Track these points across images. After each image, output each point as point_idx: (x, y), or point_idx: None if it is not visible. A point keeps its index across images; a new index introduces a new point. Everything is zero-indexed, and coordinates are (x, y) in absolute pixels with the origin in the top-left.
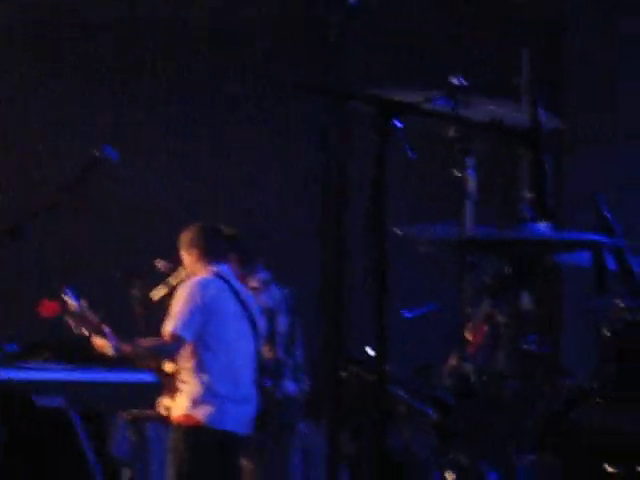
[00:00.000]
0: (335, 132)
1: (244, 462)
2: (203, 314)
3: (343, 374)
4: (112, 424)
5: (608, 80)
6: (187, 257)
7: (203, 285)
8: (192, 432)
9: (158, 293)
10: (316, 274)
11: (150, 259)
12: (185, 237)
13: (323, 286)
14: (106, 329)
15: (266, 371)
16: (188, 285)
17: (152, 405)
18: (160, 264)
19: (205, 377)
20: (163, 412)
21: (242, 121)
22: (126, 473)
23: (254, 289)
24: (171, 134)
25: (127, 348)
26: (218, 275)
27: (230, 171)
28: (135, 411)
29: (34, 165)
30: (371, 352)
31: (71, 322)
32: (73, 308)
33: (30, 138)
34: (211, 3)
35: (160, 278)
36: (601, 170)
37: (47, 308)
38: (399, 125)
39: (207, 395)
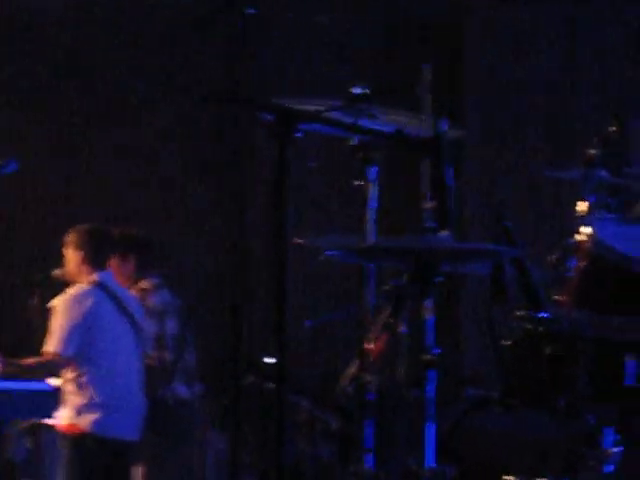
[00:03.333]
0: (236, 138)
1: (139, 468)
2: (82, 328)
3: (244, 383)
4: (9, 432)
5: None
6: (71, 258)
7: (80, 299)
8: (78, 441)
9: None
10: (214, 281)
11: (48, 268)
12: (71, 237)
13: (224, 295)
14: None
15: (156, 374)
16: (65, 300)
17: (49, 414)
18: (58, 272)
19: (87, 387)
20: (52, 421)
21: (149, 124)
22: None
23: (143, 291)
24: (64, 133)
25: (10, 368)
26: (97, 284)
27: (132, 172)
28: (32, 420)
29: None
30: (270, 361)
31: None
32: None
33: None
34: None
35: (59, 287)
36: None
37: None
38: (299, 134)
39: (90, 404)
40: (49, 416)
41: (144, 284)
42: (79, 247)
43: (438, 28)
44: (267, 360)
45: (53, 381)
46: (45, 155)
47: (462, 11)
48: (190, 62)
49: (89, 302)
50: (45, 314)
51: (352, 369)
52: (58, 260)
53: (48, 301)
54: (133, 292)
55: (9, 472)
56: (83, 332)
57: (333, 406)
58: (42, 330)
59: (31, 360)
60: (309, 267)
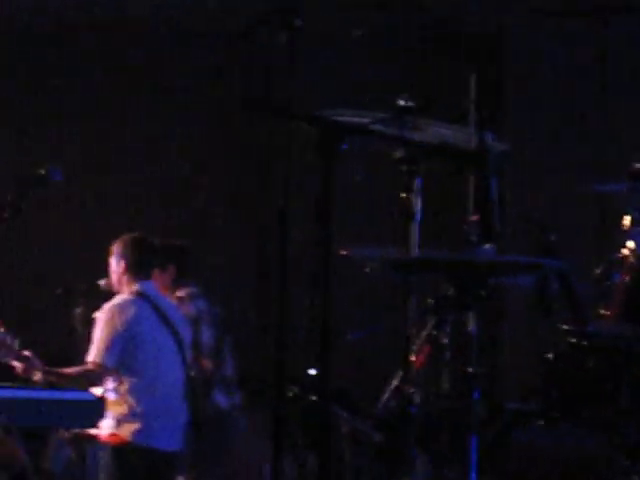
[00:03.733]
0: (279, 153)
1: (180, 478)
2: (123, 338)
3: (287, 394)
4: (52, 442)
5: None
6: (115, 268)
7: (122, 309)
8: (120, 451)
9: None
10: (253, 294)
11: (93, 277)
12: (116, 247)
13: (270, 306)
14: (29, 355)
15: (196, 385)
16: (107, 310)
17: (92, 424)
18: (103, 282)
19: (129, 396)
20: (94, 431)
21: (185, 137)
22: None
23: (179, 299)
24: (106, 148)
25: (51, 377)
26: (139, 294)
27: (168, 187)
28: (76, 430)
29: None
30: (314, 373)
31: None
32: None
33: None
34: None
35: (103, 297)
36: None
37: None
38: (344, 147)
39: (132, 414)
40: (92, 426)
41: (180, 292)
42: (122, 256)
43: (480, 39)
44: (311, 372)
45: (96, 391)
46: (87, 168)
47: (503, 23)
48: (229, 77)
49: (131, 312)
50: (89, 324)
51: (395, 382)
52: (103, 270)
53: (92, 311)
54: (173, 300)
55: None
56: (125, 342)
57: (376, 419)
58: (85, 340)
59: (72, 369)
60: (354, 279)
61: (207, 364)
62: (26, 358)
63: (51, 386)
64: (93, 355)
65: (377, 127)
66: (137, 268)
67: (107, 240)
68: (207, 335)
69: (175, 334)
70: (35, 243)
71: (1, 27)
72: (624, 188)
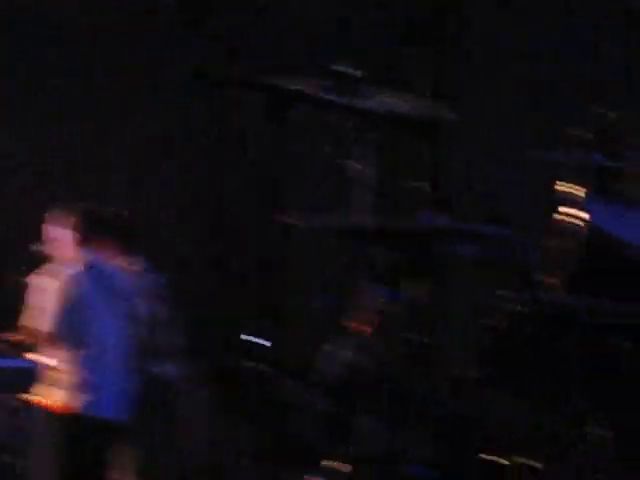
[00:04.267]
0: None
1: (126, 448)
2: (71, 308)
3: (233, 364)
4: None
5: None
6: (63, 237)
7: (69, 278)
8: (68, 420)
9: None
10: (208, 262)
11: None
12: (64, 216)
13: (217, 277)
14: None
15: (145, 355)
16: (55, 278)
17: (32, 391)
18: (37, 248)
19: (78, 367)
20: (41, 400)
21: (134, 103)
22: (5, 458)
23: (133, 272)
24: (46, 106)
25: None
26: (88, 265)
27: (111, 153)
28: (15, 397)
29: None
30: (260, 341)
31: None
32: None
33: None
34: None
35: (41, 263)
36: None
37: None
38: (294, 114)
39: (80, 384)
40: (31, 393)
41: (134, 265)
42: (71, 226)
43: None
44: (246, 338)
45: (43, 359)
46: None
47: None
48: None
49: (79, 282)
50: (30, 292)
51: (329, 347)
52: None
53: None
54: (123, 273)
55: None
56: (73, 312)
57: (320, 387)
58: (25, 307)
59: (20, 338)
60: (304, 248)
61: (157, 335)
62: None
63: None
64: (42, 324)
65: (325, 95)
66: (85, 238)
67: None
68: (158, 307)
69: (123, 304)
70: None
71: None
72: (565, 157)
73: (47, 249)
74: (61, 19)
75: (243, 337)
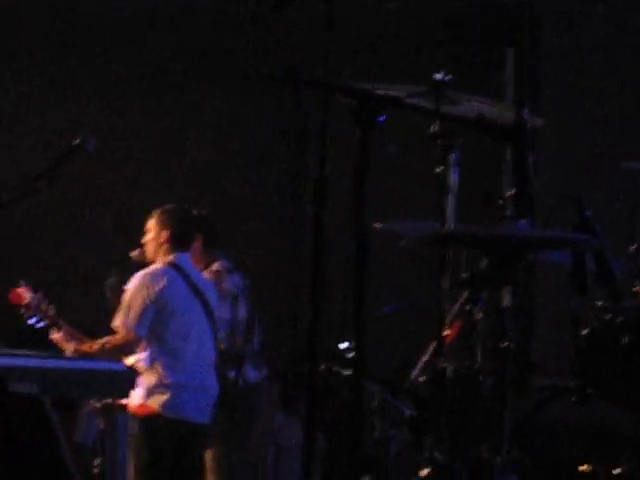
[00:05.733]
0: (315, 125)
1: (208, 451)
2: (154, 308)
3: (320, 368)
4: (81, 412)
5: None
6: (153, 238)
7: (154, 278)
8: (149, 421)
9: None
10: (285, 266)
11: (125, 250)
12: (155, 217)
13: (301, 280)
14: (63, 325)
15: (227, 358)
16: (139, 278)
17: (122, 394)
18: (135, 253)
19: (158, 367)
20: (123, 401)
21: (221, 110)
22: (94, 461)
23: (216, 273)
24: (143, 126)
25: (82, 346)
26: (173, 264)
27: (206, 157)
28: (106, 400)
29: (8, 153)
30: (346, 346)
31: (26, 314)
32: (28, 300)
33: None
34: None
35: (136, 268)
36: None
37: (18, 295)
38: (381, 119)
39: (161, 385)
40: (122, 396)
41: (217, 266)
42: (164, 226)
43: (518, 14)
44: (342, 346)
45: (126, 361)
46: (126, 136)
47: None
48: (260, 48)
49: (163, 282)
50: (120, 294)
51: (426, 356)
52: (136, 240)
53: (124, 282)
54: (207, 274)
55: (80, 452)
56: (155, 312)
57: (406, 393)
58: (116, 310)
59: (104, 339)
60: (389, 253)
61: (240, 339)
62: (60, 325)
63: (82, 354)
64: (124, 324)
65: (413, 100)
66: (178, 239)
67: (139, 214)
68: (243, 311)
69: (206, 306)
70: (67, 216)
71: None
72: None
73: (140, 251)
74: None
75: (327, 342)
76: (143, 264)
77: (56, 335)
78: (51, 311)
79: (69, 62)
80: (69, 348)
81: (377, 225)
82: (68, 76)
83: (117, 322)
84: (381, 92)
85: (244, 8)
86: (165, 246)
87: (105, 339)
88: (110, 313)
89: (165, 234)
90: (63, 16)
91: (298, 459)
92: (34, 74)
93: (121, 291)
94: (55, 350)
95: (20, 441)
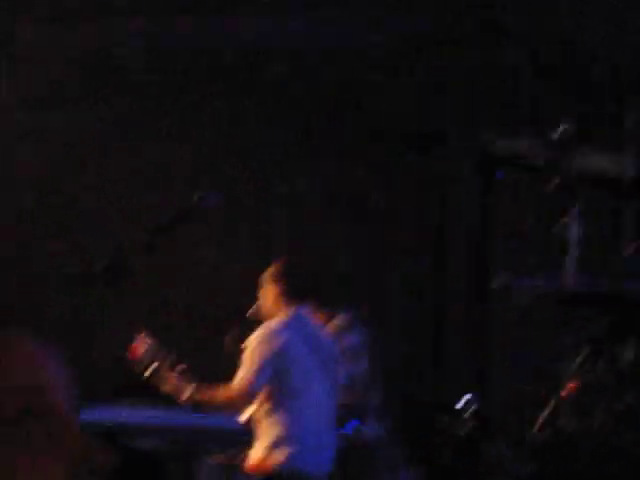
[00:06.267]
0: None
1: None
2: (275, 362)
3: (437, 424)
4: (202, 468)
5: None
6: (268, 291)
7: (275, 332)
8: (268, 478)
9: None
10: (413, 320)
11: (245, 304)
12: (270, 271)
13: (423, 335)
14: (179, 375)
15: (347, 414)
16: (260, 333)
17: (242, 451)
18: (251, 312)
19: (278, 422)
20: (244, 457)
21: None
22: None
23: (337, 329)
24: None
25: (199, 395)
26: (293, 318)
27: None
28: (224, 456)
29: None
30: (467, 401)
31: (142, 366)
32: (145, 349)
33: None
34: None
35: (255, 325)
36: None
37: (136, 350)
38: (501, 176)
39: (281, 441)
40: (241, 452)
41: (337, 321)
42: (277, 281)
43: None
44: (462, 401)
45: (243, 416)
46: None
47: None
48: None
49: (282, 338)
50: (240, 350)
51: (546, 413)
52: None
53: (244, 338)
54: (328, 329)
55: None
56: (276, 366)
57: (527, 449)
58: (237, 366)
59: (223, 390)
60: (510, 309)
61: (360, 394)
62: (177, 375)
63: (198, 406)
64: (243, 378)
65: (534, 156)
66: (292, 293)
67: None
68: (363, 366)
69: (326, 362)
70: (186, 274)
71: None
72: None
73: (256, 309)
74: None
75: (449, 397)
76: (260, 322)
77: (172, 381)
78: (167, 363)
79: None
80: (185, 395)
81: (499, 281)
82: None
83: (237, 376)
84: (501, 147)
85: None
86: (280, 300)
87: (223, 390)
88: (229, 366)
89: (279, 288)
90: None
91: None
92: None
93: (241, 344)
94: (170, 402)
95: None
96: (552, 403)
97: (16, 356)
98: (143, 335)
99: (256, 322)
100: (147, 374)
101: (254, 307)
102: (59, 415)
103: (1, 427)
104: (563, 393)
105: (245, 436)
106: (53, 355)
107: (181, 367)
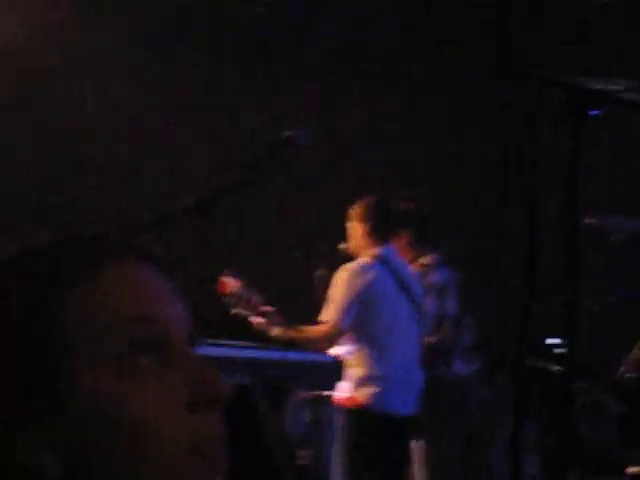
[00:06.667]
0: (524, 118)
1: (417, 443)
2: (361, 301)
3: (531, 364)
4: (290, 403)
5: None
6: (354, 230)
7: (360, 271)
8: (356, 414)
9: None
10: (495, 262)
11: (334, 240)
12: (356, 209)
13: (513, 276)
14: (267, 311)
15: (435, 352)
16: (345, 271)
17: (331, 387)
18: (343, 246)
19: (365, 360)
20: (331, 393)
21: (425, 101)
22: (301, 453)
23: (424, 267)
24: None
25: (287, 332)
26: (379, 258)
27: (408, 149)
28: (314, 392)
29: (223, 143)
30: (555, 342)
31: (231, 303)
32: (232, 289)
33: (222, 116)
34: None
35: (344, 260)
36: None
37: (225, 285)
38: (596, 114)
39: (368, 377)
40: (329, 388)
41: (425, 260)
42: (364, 219)
43: None
44: (551, 341)
45: (333, 352)
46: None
47: None
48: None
49: (369, 276)
50: (329, 286)
51: (635, 354)
52: (344, 233)
53: (332, 273)
54: (414, 268)
55: (288, 443)
56: (362, 305)
57: (616, 390)
58: (325, 301)
59: (310, 328)
60: (599, 248)
61: (448, 333)
62: (265, 313)
63: (288, 343)
64: (330, 316)
65: (630, 95)
66: (378, 231)
67: (345, 204)
68: (452, 304)
69: (412, 300)
70: (273, 206)
71: None
72: None
73: (347, 245)
74: None
75: (538, 338)
76: (350, 256)
77: (259, 320)
78: (256, 300)
79: None
80: (273, 333)
81: (588, 220)
82: None
83: (324, 315)
84: (597, 86)
85: None
86: (366, 239)
87: (311, 328)
88: (318, 305)
89: (365, 227)
90: None
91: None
92: None
93: (329, 283)
94: (259, 338)
95: (229, 428)
96: None
97: (121, 284)
98: (230, 273)
99: (347, 257)
100: (237, 310)
101: (346, 242)
102: (175, 347)
103: (115, 361)
104: None
105: (334, 371)
106: (165, 282)
107: (268, 308)
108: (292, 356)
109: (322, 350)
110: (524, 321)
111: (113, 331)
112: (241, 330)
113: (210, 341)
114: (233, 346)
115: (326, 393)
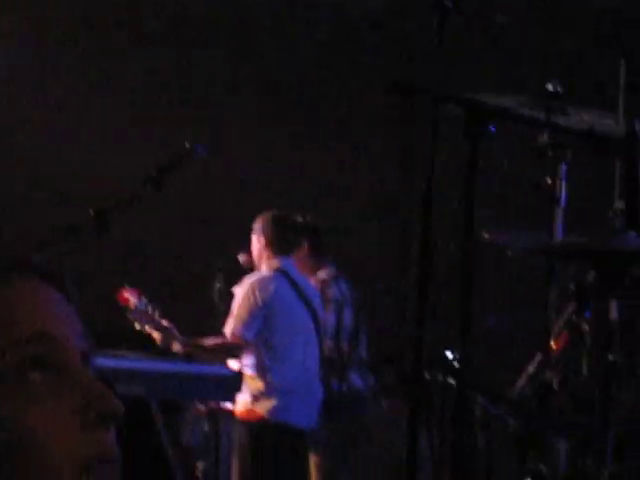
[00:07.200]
0: (422, 134)
1: (313, 457)
2: (262, 313)
3: (425, 377)
4: (189, 416)
5: None
6: (255, 244)
7: (261, 284)
8: (255, 427)
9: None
10: (389, 273)
11: (232, 253)
12: (257, 223)
13: (408, 289)
14: (169, 326)
15: (332, 365)
16: (247, 284)
17: (230, 399)
18: (243, 258)
19: (265, 372)
20: (229, 405)
21: (333, 117)
22: (198, 465)
23: (322, 282)
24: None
25: (190, 348)
26: (279, 270)
27: (312, 161)
28: (211, 404)
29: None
30: (450, 355)
31: (132, 318)
32: (133, 304)
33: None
34: None
35: (242, 272)
36: None
37: (124, 298)
38: (492, 130)
39: (268, 390)
40: (228, 401)
41: (323, 274)
42: (263, 232)
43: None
44: (447, 354)
45: (233, 365)
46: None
47: None
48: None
49: (270, 288)
50: (228, 298)
51: (531, 367)
52: (243, 246)
53: (231, 286)
54: (312, 281)
55: (185, 455)
56: (263, 317)
57: (512, 404)
58: (224, 314)
59: (211, 341)
60: (495, 264)
61: (345, 346)
62: (165, 328)
63: (189, 357)
64: (231, 328)
65: (524, 111)
66: (277, 244)
67: (247, 217)
68: (348, 318)
69: (312, 312)
70: (174, 220)
71: None
72: None
73: (248, 256)
74: None
75: (433, 351)
76: (250, 269)
77: (161, 337)
78: (156, 315)
79: None
80: (175, 347)
81: (485, 235)
82: None
83: (227, 327)
84: (492, 102)
85: None
86: (266, 252)
87: (212, 341)
88: (217, 318)
89: (263, 240)
90: None
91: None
92: None
93: (229, 295)
94: (160, 352)
95: (125, 442)
96: (538, 357)
97: (19, 302)
98: (128, 287)
99: (246, 269)
100: (137, 323)
101: (246, 254)
102: (69, 366)
103: (5, 379)
104: (551, 347)
105: (234, 384)
106: (63, 301)
107: (167, 321)
108: (191, 368)
109: (223, 362)
110: (420, 336)
111: (5, 349)
112: (140, 342)
113: (108, 353)
114: (130, 358)
115: (224, 406)
